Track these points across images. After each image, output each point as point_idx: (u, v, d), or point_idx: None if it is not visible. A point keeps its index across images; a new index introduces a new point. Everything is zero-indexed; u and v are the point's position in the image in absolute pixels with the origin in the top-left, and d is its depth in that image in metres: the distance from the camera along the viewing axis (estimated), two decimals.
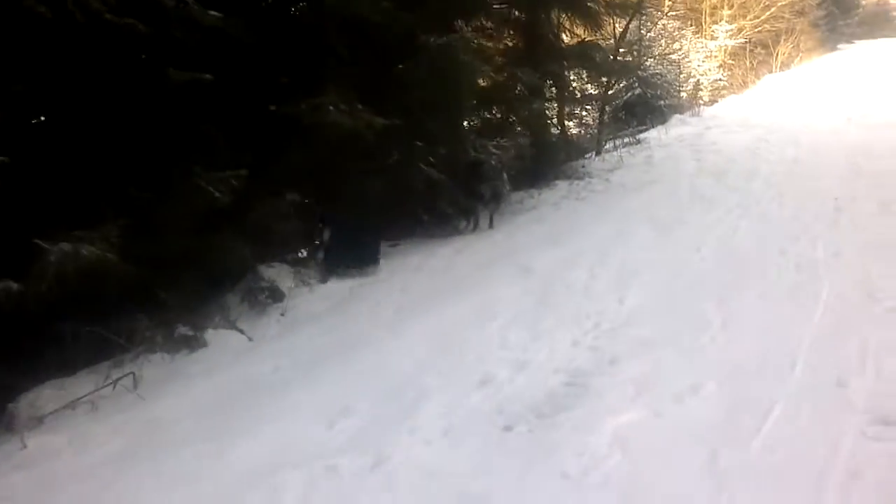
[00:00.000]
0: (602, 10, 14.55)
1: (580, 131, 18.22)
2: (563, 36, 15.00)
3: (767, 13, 33.54)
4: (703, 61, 30.52)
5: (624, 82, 20.20)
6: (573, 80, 15.81)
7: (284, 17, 8.02)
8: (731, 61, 31.91)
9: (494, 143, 10.19)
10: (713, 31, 31.87)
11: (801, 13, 37.19)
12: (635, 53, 20.18)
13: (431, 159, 9.46)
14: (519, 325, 6.60)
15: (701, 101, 28.63)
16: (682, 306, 6.67)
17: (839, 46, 44.74)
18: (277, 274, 8.10)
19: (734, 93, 29.70)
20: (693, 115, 20.12)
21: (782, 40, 34.84)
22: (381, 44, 8.94)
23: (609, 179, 13.21)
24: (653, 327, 6.31)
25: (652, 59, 20.91)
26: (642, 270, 7.74)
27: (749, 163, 12.93)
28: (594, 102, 16.34)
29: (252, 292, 7.83)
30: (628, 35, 18.67)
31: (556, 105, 15.32)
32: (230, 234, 7.43)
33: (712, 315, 6.33)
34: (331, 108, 7.65)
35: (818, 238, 8.10)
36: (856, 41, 48.00)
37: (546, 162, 13.97)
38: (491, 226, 10.72)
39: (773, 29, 34.23)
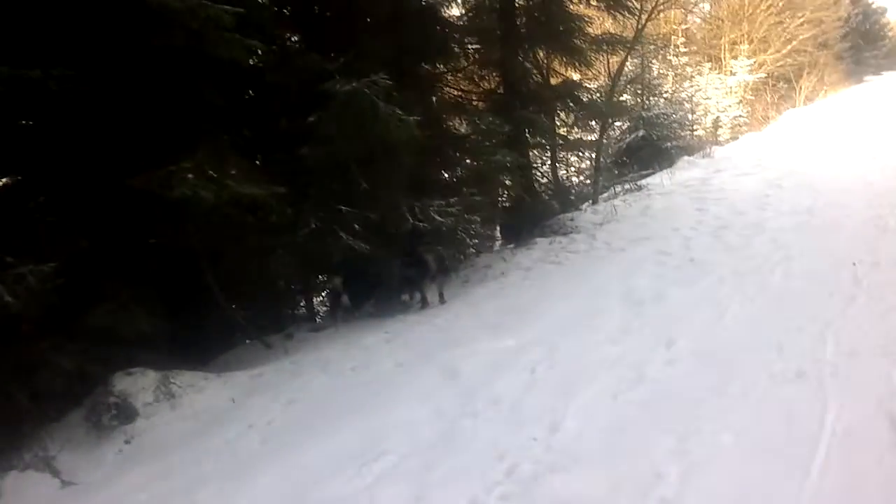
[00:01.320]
0: (589, 47, 12.64)
1: (580, 179, 16.26)
2: (551, 77, 13.11)
3: (789, 47, 31.46)
4: (722, 98, 28.52)
5: (626, 124, 18.30)
6: (561, 124, 13.85)
7: (134, 64, 6.16)
8: (751, 97, 29.74)
9: (441, 204, 8.22)
10: (731, 66, 29.83)
11: (824, 46, 35.04)
12: (638, 93, 18.24)
13: (357, 227, 7.54)
14: (402, 476, 4.60)
15: (720, 139, 26.66)
16: (630, 443, 4.63)
17: (866, 78, 42.26)
18: (134, 384, 6.19)
19: (754, 129, 27.56)
20: (704, 157, 18.00)
21: (805, 74, 32.62)
22: (281, 91, 7.15)
23: (595, 236, 11.19)
24: (584, 479, 4.29)
25: (658, 99, 18.92)
26: (595, 375, 5.72)
27: (756, 214, 10.81)
28: (585, 149, 14.22)
29: (96, 410, 5.96)
30: (629, 74, 16.79)
31: (538, 152, 13.44)
32: (54, 341, 5.59)
33: (665, 465, 4.28)
34: (189, 177, 5.79)
35: (829, 326, 6.00)
36: (883, 72, 45.49)
37: (526, 217, 12.05)
38: (442, 300, 8.78)
39: (796, 62, 32.10)
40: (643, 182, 15.75)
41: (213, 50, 6.06)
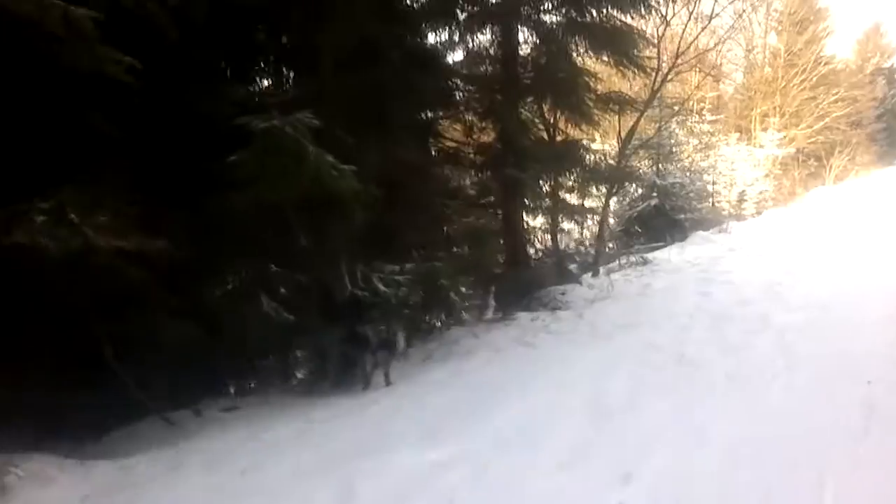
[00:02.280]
0: (595, 104, 11.41)
1: (584, 248, 14.90)
2: (557, 135, 11.88)
3: (821, 123, 30.07)
4: (749, 170, 27.17)
5: (640, 191, 17.00)
6: (564, 187, 12.55)
7: None
8: (778, 171, 28.33)
9: (394, 270, 6.94)
10: (760, 139, 28.50)
11: (857, 125, 33.61)
12: (653, 159, 16.94)
13: (284, 291, 6.26)
14: None
15: (744, 212, 25.26)
16: None
17: None
18: None
19: (780, 204, 26.14)
20: (720, 232, 16.60)
21: (836, 152, 31.17)
22: (202, 123, 5.96)
23: (583, 315, 9.82)
24: None
25: (676, 166, 17.61)
26: None
27: (763, 305, 9.36)
28: (585, 215, 12.87)
29: None
30: (642, 137, 15.52)
31: (534, 216, 12.16)
32: None
33: None
34: (39, 219, 4.57)
35: (830, 472, 4.57)
36: None
37: (513, 287, 10.73)
38: (388, 382, 7.44)
39: (828, 140, 30.70)
40: (651, 255, 14.37)
41: (70, 60, 4.86)
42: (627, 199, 17.19)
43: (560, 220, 12.66)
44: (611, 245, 15.51)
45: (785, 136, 28.80)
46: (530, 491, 4.66)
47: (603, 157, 12.20)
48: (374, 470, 5.10)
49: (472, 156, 11.10)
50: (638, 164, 16.54)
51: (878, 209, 19.94)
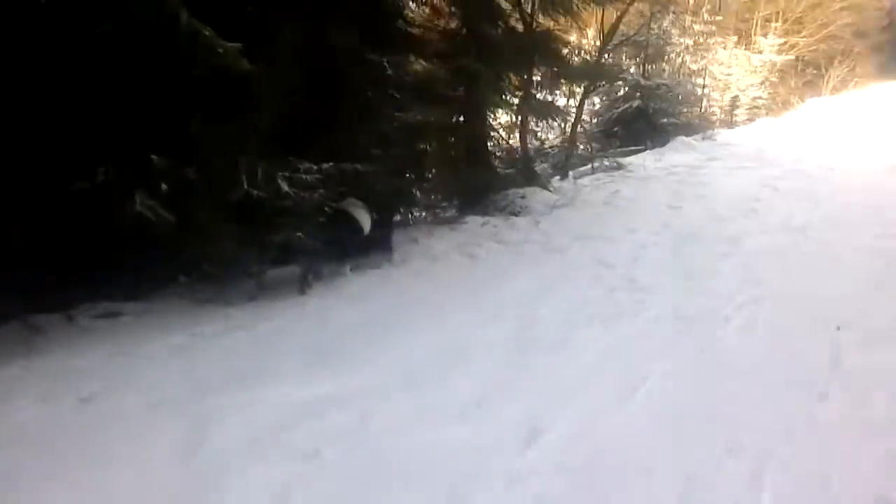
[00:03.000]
0: None
1: (554, 148, 13.78)
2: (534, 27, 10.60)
3: (824, 31, 28.37)
4: (744, 76, 25.76)
5: (622, 91, 15.73)
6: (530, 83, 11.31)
7: None
8: (775, 79, 26.88)
9: (306, 171, 5.90)
10: (760, 44, 26.90)
11: (862, 35, 31.80)
12: (638, 59, 15.62)
13: (166, 186, 5.23)
14: None
15: (736, 119, 24.09)
16: None
17: None
18: None
19: (772, 114, 24.87)
20: (705, 139, 15.46)
21: (836, 62, 29.58)
22: None
23: (539, 224, 8.85)
24: None
25: (664, 67, 16.28)
26: (407, 481, 3.47)
27: (735, 226, 8.40)
28: (556, 115, 11.68)
29: None
30: (628, 34, 14.18)
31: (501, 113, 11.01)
32: None
33: None
34: None
35: (776, 448, 3.69)
36: None
37: (464, 189, 9.71)
38: (302, 290, 6.53)
39: (829, 49, 29.02)
40: (628, 160, 13.29)
41: None
42: (608, 99, 15.94)
43: (529, 119, 11.48)
44: (587, 147, 14.38)
45: (786, 43, 27.20)
46: (418, 444, 3.79)
47: (579, 52, 10.91)
48: (239, 405, 4.20)
49: (438, 44, 9.87)
50: (623, 62, 15.25)
51: (872, 124, 18.77)
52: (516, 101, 10.60)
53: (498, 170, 10.77)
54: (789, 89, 27.73)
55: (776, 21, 28.57)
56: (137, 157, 5.17)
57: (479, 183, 9.47)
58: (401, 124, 6.95)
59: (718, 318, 5.50)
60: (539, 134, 13.03)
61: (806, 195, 9.82)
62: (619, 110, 15.33)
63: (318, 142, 6.54)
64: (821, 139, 16.04)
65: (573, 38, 12.41)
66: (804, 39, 28.18)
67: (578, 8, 10.67)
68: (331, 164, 6.15)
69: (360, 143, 6.85)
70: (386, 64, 6.81)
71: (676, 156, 13.52)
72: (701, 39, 19.23)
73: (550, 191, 10.93)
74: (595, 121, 16.04)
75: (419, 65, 8.30)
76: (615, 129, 15.44)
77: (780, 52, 26.79)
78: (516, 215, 9.52)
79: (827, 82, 28.94)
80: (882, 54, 35.27)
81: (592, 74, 11.41)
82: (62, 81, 4.81)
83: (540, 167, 12.62)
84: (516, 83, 10.68)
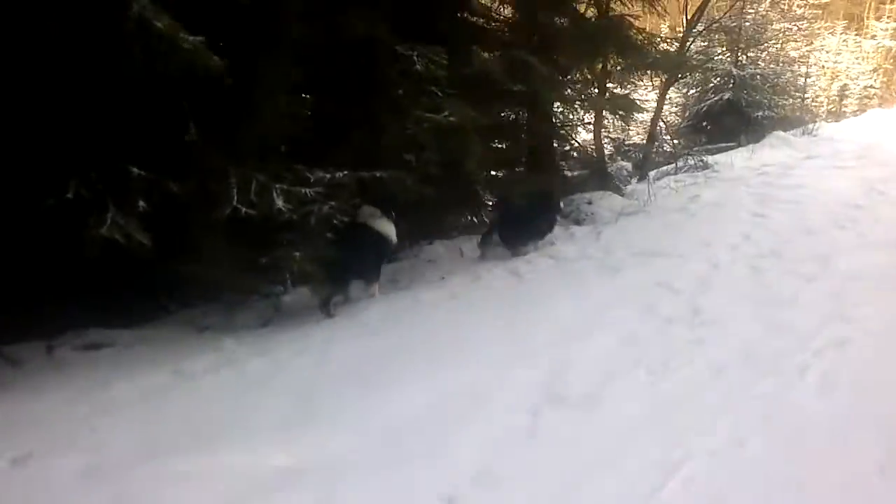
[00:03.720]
0: None
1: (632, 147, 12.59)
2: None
3: None
4: (854, 63, 23.68)
5: (714, 81, 14.32)
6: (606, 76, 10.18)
7: None
8: (889, 65, 24.64)
9: (317, 182, 5.10)
10: (872, 28, 24.69)
11: None
12: (724, 46, 14.12)
13: (143, 204, 4.53)
14: None
15: (845, 110, 22.12)
16: None
17: None
18: None
19: (886, 104, 22.70)
20: (805, 133, 13.89)
21: None
22: None
23: (601, 235, 7.84)
24: None
25: (760, 55, 14.76)
26: None
27: (828, 239, 7.13)
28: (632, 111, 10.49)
29: None
30: (716, 18, 12.80)
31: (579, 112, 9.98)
32: None
33: None
34: None
35: None
36: None
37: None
38: (328, 314, 5.80)
39: None
40: (715, 158, 11.98)
41: None
42: (698, 91, 14.56)
43: (604, 115, 10.38)
44: (673, 143, 13.11)
45: None
46: None
47: (659, 41, 9.70)
48: (188, 475, 3.44)
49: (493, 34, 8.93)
50: (714, 50, 13.85)
51: None
52: (582, 96, 9.50)
53: (566, 173, 9.73)
54: None
55: (892, 3, 26.20)
56: (109, 169, 4.48)
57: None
58: (432, 124, 6.04)
59: (794, 368, 4.38)
60: (616, 131, 11.83)
61: None
62: (709, 103, 13.96)
63: (335, 148, 5.73)
64: None
65: (652, 24, 11.19)
66: None
67: None
68: (345, 172, 5.32)
69: (383, 147, 6.00)
70: (416, 58, 5.91)
71: (771, 153, 12.10)
72: (804, 25, 17.45)
73: (623, 194, 9.83)
74: (685, 115, 14.70)
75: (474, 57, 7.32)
76: (704, 123, 14.08)
77: (894, 36, 24.52)
78: (579, 223, 8.53)
79: None
80: None
81: (673, 64, 10.18)
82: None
83: (617, 167, 11.49)
84: (587, 76, 9.60)
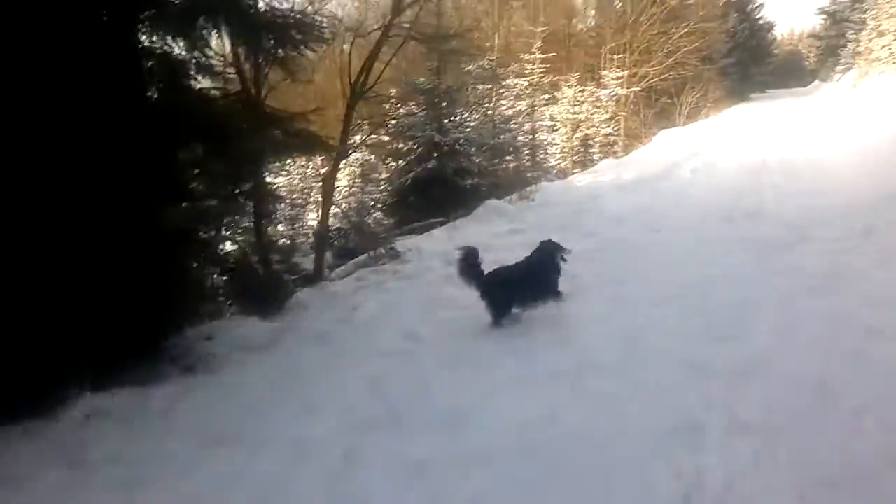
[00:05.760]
0: None
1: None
2: None
3: (671, 59, 25.97)
4: (592, 113, 23.09)
5: (419, 149, 12.26)
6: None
7: None
8: (622, 113, 24.26)
9: None
10: (605, 78, 24.32)
11: (709, 60, 29.70)
12: (431, 110, 12.11)
13: None
14: None
15: (594, 157, 21.36)
16: None
17: (751, 96, 37.16)
18: None
19: (624, 151, 22.17)
20: (522, 198, 12.08)
21: (687, 88, 27.16)
22: None
23: (174, 407, 5.17)
24: None
25: (469, 115, 12.91)
26: None
27: (490, 374, 4.90)
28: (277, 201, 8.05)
29: None
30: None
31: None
32: None
33: None
34: None
35: None
36: (769, 90, 40.70)
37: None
38: None
39: (679, 76, 26.59)
40: (411, 242, 9.77)
41: None
42: (405, 162, 12.41)
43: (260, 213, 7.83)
44: (382, 223, 10.82)
45: (636, 74, 24.67)
46: None
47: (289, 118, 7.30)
48: None
49: None
50: (415, 117, 11.79)
51: (720, 153, 15.88)
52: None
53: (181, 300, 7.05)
54: (641, 121, 25.13)
55: (622, 53, 26.09)
56: None
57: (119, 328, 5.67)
58: None
59: None
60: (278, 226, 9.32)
61: (618, 279, 6.44)
62: (412, 175, 11.85)
63: None
64: (662, 178, 12.96)
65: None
66: (654, 69, 25.71)
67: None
68: None
69: None
70: None
71: (476, 228, 10.06)
72: (524, 82, 15.95)
73: (285, 307, 7.34)
74: (391, 189, 12.53)
75: None
76: (411, 198, 11.92)
77: (628, 84, 24.19)
78: (192, 371, 5.86)
79: (680, 111, 26.43)
80: (730, 78, 33.52)
81: (315, 144, 7.74)
82: None
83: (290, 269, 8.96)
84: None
